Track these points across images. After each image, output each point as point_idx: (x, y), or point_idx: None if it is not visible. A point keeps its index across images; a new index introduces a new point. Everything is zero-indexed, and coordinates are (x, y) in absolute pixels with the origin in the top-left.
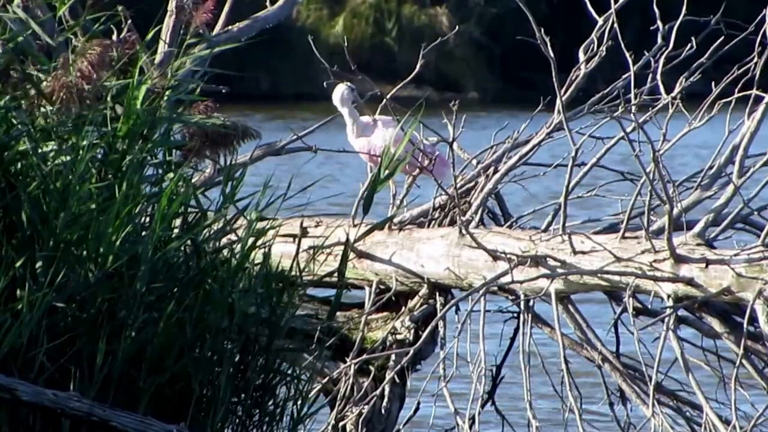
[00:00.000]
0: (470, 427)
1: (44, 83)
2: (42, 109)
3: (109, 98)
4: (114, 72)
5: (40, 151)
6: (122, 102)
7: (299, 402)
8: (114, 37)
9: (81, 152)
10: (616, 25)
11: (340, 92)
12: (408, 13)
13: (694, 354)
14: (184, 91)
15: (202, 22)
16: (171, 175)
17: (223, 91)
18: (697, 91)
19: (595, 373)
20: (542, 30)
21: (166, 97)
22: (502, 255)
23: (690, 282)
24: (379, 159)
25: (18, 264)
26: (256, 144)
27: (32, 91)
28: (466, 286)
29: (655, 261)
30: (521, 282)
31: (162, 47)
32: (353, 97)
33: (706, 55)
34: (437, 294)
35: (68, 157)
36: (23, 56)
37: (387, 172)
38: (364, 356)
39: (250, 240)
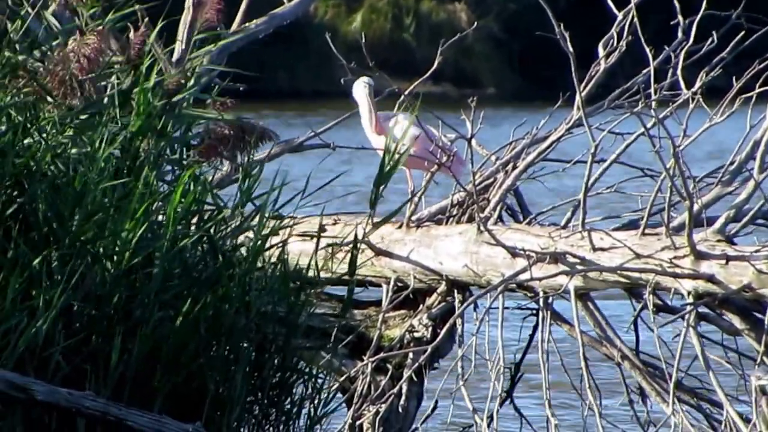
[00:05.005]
0: (488, 426)
1: (46, 78)
2: (47, 104)
3: (115, 93)
4: (123, 66)
5: (49, 145)
6: (132, 97)
7: (316, 401)
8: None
9: (98, 149)
10: (636, 19)
11: (360, 85)
12: (426, 9)
13: (715, 351)
14: (200, 89)
15: (209, 18)
16: (187, 172)
17: (241, 88)
18: (717, 86)
19: (614, 371)
20: (561, 25)
21: (184, 95)
22: (521, 252)
23: (710, 279)
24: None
25: (34, 263)
26: (273, 142)
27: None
28: (484, 283)
29: (675, 258)
30: (540, 279)
31: (179, 45)
32: (371, 91)
33: (727, 50)
34: (455, 291)
35: (78, 150)
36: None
37: (390, 164)
38: (382, 354)
39: (267, 238)
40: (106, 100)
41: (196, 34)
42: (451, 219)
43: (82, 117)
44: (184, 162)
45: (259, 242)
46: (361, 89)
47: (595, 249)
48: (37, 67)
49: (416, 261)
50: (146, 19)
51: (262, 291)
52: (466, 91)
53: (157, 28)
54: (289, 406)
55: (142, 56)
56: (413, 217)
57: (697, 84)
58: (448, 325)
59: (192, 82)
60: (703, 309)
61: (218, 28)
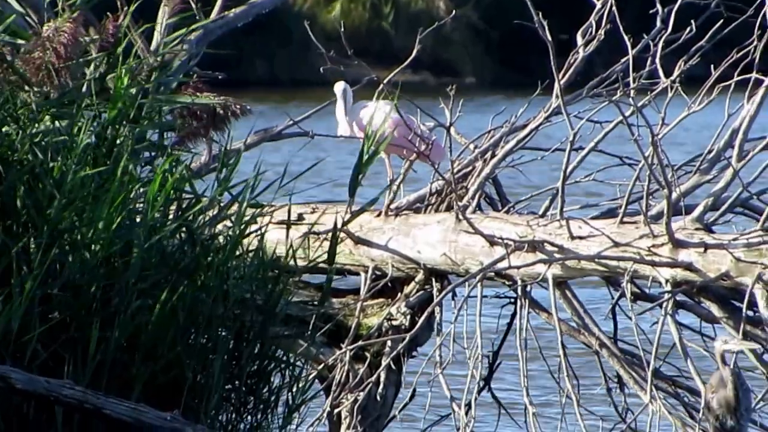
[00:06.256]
0: (466, 414)
1: (22, 66)
2: (23, 92)
3: (92, 80)
4: (99, 53)
5: (27, 133)
6: (107, 84)
7: (294, 389)
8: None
9: (75, 137)
10: (614, 8)
11: (341, 88)
12: None
13: (693, 339)
14: (171, 72)
15: (174, 7)
16: (166, 161)
17: (220, 77)
18: (696, 74)
19: (592, 359)
20: (540, 14)
21: (152, 79)
22: (499, 240)
23: (688, 267)
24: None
25: (12, 251)
26: (251, 128)
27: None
28: (462, 271)
29: (653, 246)
30: (518, 267)
31: (158, 34)
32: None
33: (706, 38)
34: (434, 280)
35: (56, 138)
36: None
37: (372, 149)
38: (360, 342)
39: (245, 227)
40: (84, 87)
41: (175, 23)
42: (429, 207)
43: (59, 105)
44: (162, 147)
45: (237, 231)
46: (340, 92)
47: (573, 237)
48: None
49: (394, 249)
50: (125, 8)
51: (240, 279)
52: (445, 79)
53: (130, 10)
54: (267, 394)
55: (117, 42)
56: (392, 206)
57: (676, 72)
58: (426, 314)
59: (168, 68)
60: (681, 297)
61: (197, 17)
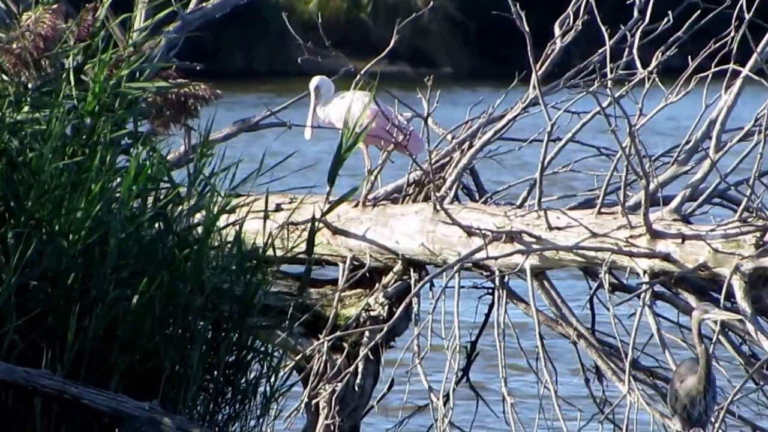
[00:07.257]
0: (445, 404)
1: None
2: (2, 83)
3: (71, 71)
4: (77, 44)
5: (6, 122)
6: (86, 74)
7: (272, 379)
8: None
9: (54, 127)
10: None
11: (314, 84)
12: None
13: (671, 330)
14: (146, 61)
15: None
16: (140, 147)
17: (198, 67)
18: (673, 65)
19: (570, 350)
20: (518, 5)
21: (124, 66)
22: (477, 231)
23: (666, 257)
24: (340, 126)
25: None
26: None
27: None
28: (440, 262)
29: (631, 236)
30: (496, 258)
31: (137, 24)
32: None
33: (683, 29)
34: (412, 270)
35: (34, 128)
36: None
37: (350, 141)
38: (338, 333)
39: (223, 217)
40: (63, 77)
41: (153, 13)
42: (407, 198)
43: (38, 95)
44: (138, 135)
45: (213, 220)
46: (314, 86)
47: (551, 228)
48: None
49: (372, 240)
50: None
51: (218, 269)
52: (423, 70)
53: (108, 1)
54: (245, 385)
55: (94, 34)
56: (369, 196)
57: (653, 63)
58: (404, 304)
59: (143, 56)
60: (659, 288)
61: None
